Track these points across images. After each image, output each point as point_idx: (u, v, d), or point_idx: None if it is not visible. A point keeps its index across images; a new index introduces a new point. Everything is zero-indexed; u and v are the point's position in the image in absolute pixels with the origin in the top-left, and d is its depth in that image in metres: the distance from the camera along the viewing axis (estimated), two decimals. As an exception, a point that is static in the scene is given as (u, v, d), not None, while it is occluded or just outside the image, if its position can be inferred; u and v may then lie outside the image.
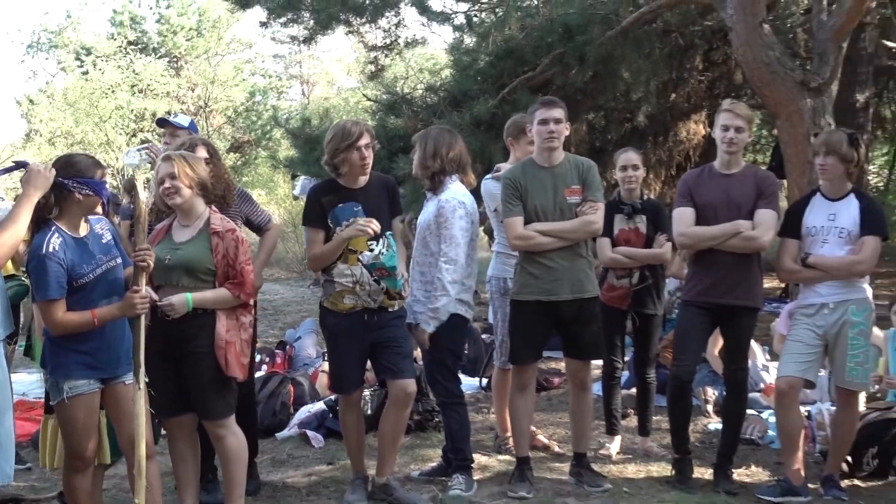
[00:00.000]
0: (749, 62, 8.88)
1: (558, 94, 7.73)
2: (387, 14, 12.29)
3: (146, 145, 6.47)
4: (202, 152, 4.93)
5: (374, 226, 4.71)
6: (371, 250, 4.82)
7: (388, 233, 4.89)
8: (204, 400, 4.39)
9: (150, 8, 32.40)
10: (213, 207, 4.52)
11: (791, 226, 5.25)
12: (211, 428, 4.48)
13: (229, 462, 4.51)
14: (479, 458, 5.70)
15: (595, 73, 11.06)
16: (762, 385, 7.01)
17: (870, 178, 15.54)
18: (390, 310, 4.98)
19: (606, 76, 11.27)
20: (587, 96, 11.57)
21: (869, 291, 5.21)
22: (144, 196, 4.09)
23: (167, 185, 4.30)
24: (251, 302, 4.58)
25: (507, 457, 5.83)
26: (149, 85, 27.31)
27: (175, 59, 31.41)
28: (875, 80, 12.47)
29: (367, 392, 6.07)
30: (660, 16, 11.26)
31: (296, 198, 15.70)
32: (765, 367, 7.21)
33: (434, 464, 5.67)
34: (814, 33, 9.38)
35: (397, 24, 12.65)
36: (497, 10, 12.21)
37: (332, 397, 6.28)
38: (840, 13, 8.83)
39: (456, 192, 5.24)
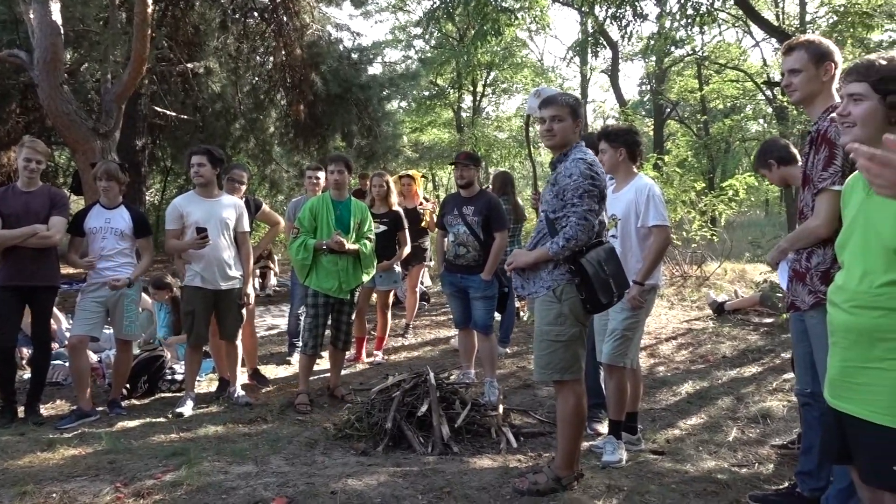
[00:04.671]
0: (53, 112, 8.21)
1: None
2: None
3: None
4: None
5: None
6: None
7: None
8: None
9: None
10: None
11: (75, 227, 4.95)
12: None
13: None
14: None
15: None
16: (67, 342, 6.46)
17: (147, 196, 15.26)
18: None
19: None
20: None
21: (131, 271, 4.99)
22: None
23: None
24: None
25: None
26: None
27: None
28: (150, 132, 12.51)
29: None
30: (-21, 69, 9.77)
31: None
32: (69, 329, 6.63)
33: None
34: (102, 96, 9.03)
35: None
36: None
37: None
38: (119, 84, 8.65)
39: None
